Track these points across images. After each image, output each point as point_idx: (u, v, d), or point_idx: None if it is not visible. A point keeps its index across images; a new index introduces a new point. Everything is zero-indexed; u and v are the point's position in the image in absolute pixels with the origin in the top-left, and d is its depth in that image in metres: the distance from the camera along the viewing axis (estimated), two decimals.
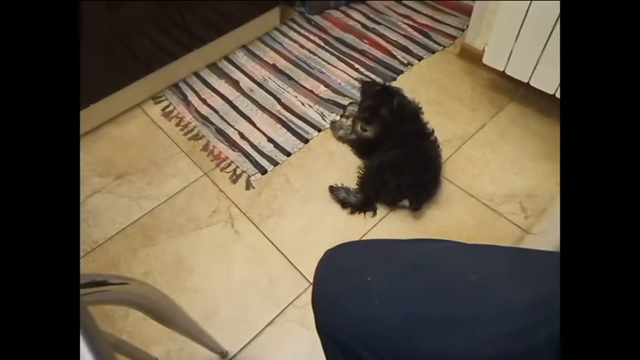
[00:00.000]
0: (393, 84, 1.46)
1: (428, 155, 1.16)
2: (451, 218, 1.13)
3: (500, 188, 1.17)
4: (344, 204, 1.15)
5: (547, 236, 0.97)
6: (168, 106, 1.45)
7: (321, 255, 0.57)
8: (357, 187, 1.17)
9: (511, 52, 1.22)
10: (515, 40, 1.19)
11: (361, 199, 1.14)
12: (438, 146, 1.19)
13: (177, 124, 1.40)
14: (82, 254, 1.11)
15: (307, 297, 1.00)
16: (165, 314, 0.67)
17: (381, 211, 1.15)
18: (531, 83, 1.23)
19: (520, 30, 1.17)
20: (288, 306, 1.00)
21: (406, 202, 1.11)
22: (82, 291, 0.41)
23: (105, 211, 1.19)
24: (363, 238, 1.09)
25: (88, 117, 1.34)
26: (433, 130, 1.20)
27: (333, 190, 1.17)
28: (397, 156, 1.12)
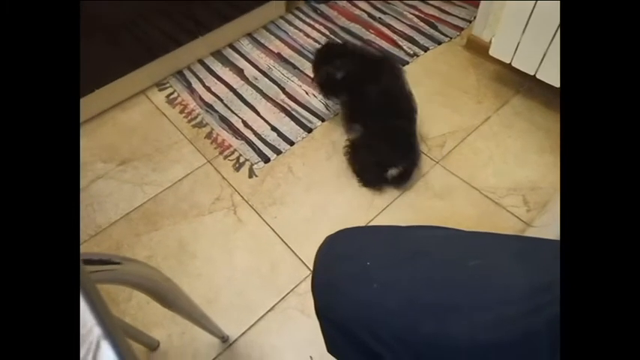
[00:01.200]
0: None
1: (400, 127, 1.14)
2: (453, 210, 1.13)
3: (503, 181, 1.17)
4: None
5: (549, 229, 0.97)
6: (172, 93, 1.45)
7: None
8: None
9: (518, 44, 1.21)
10: (523, 33, 1.18)
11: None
12: (413, 109, 1.16)
13: (182, 112, 1.40)
14: (86, 238, 1.12)
15: (308, 284, 1.00)
16: (168, 297, 0.68)
17: (383, 200, 1.16)
18: (537, 76, 1.22)
19: (528, 22, 1.16)
20: (289, 293, 1.01)
21: (393, 172, 1.12)
22: (88, 268, 0.42)
23: (109, 196, 1.20)
24: None
25: (92, 103, 1.34)
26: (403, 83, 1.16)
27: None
28: (367, 135, 1.14)
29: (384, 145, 1.12)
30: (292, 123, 1.34)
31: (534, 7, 1.12)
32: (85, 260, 0.42)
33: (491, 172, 1.19)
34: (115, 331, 0.21)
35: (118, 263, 0.50)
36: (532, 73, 1.23)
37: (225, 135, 1.33)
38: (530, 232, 1.05)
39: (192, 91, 1.45)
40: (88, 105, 1.34)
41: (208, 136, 1.33)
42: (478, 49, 1.46)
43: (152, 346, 0.94)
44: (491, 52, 1.30)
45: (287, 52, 1.55)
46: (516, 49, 1.23)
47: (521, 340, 0.42)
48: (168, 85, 1.48)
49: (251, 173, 1.24)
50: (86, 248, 1.10)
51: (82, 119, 1.37)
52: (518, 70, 1.26)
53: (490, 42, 1.29)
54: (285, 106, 1.39)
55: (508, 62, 1.27)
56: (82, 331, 0.22)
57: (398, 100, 1.15)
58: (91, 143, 1.32)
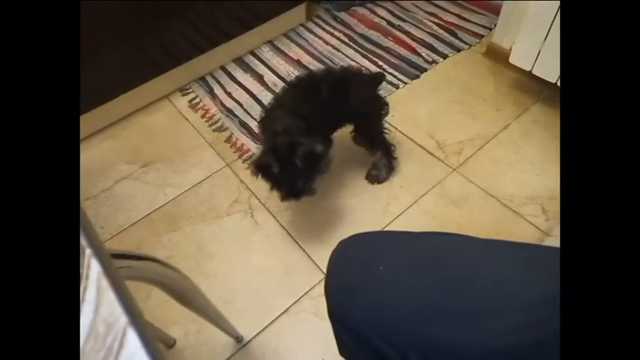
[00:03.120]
0: (416, 82, 1.45)
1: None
2: (470, 218, 1.12)
3: (522, 190, 1.16)
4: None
5: None
6: (194, 98, 1.49)
7: None
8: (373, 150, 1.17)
9: (539, 52, 1.20)
10: (544, 40, 1.17)
11: (391, 162, 1.20)
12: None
13: (203, 116, 1.44)
14: (107, 237, 1.16)
15: (322, 288, 1.00)
16: (186, 295, 0.71)
17: (398, 207, 1.16)
18: (559, 84, 1.21)
19: (549, 30, 1.15)
20: (303, 296, 1.02)
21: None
22: (114, 262, 0.44)
23: (131, 196, 1.24)
24: None
25: (117, 106, 1.40)
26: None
27: (372, 179, 1.22)
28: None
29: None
30: None
31: (556, 14, 1.11)
32: (112, 255, 0.45)
33: (509, 180, 1.18)
34: (140, 319, 0.23)
35: (140, 259, 0.52)
36: (553, 81, 1.22)
37: (244, 139, 1.35)
38: (549, 242, 1.03)
39: (213, 96, 1.49)
40: (113, 109, 1.39)
41: (228, 140, 1.36)
42: (498, 56, 1.45)
43: (169, 343, 0.96)
44: (511, 60, 1.29)
45: (306, 59, 1.57)
46: (537, 57, 1.22)
47: (532, 349, 0.42)
48: (190, 90, 1.52)
49: None
50: (108, 246, 1.14)
51: (108, 122, 1.43)
52: (539, 77, 1.25)
53: (510, 49, 1.29)
54: None
55: (529, 70, 1.26)
56: (110, 319, 0.24)
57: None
58: (116, 145, 1.37)
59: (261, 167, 0.95)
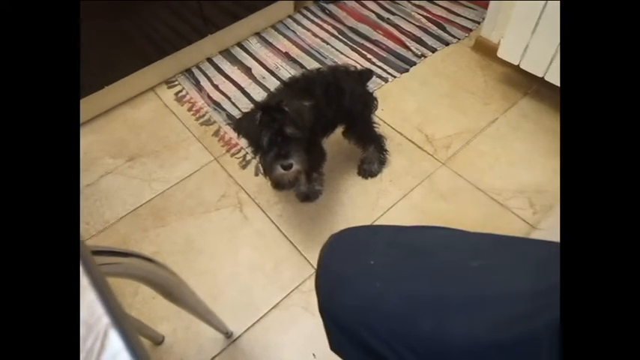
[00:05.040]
0: (405, 75, 1.45)
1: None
2: (458, 212, 1.13)
3: (510, 183, 1.17)
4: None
5: (554, 232, 0.96)
6: (181, 91, 1.47)
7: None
8: (364, 148, 1.17)
9: (527, 46, 1.21)
10: (532, 34, 1.18)
11: (383, 155, 1.21)
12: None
13: (190, 109, 1.41)
14: (93, 233, 1.14)
15: (312, 282, 1.01)
16: (174, 291, 0.69)
17: (387, 201, 1.16)
18: (546, 78, 1.22)
19: (537, 24, 1.15)
20: (293, 290, 1.01)
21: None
22: (97, 260, 0.43)
23: (117, 191, 1.22)
24: None
25: (102, 99, 1.36)
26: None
27: (365, 174, 1.22)
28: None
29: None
30: None
31: (544, 8, 1.12)
32: (94, 252, 0.43)
33: (497, 174, 1.19)
34: (123, 320, 0.22)
35: (126, 255, 0.51)
36: (541, 75, 1.23)
37: (232, 133, 1.34)
38: (536, 235, 1.05)
39: (200, 89, 1.46)
40: (97, 101, 1.36)
41: (216, 133, 1.34)
42: (486, 50, 1.46)
43: (157, 340, 0.95)
44: (499, 54, 1.29)
45: (295, 52, 1.55)
46: (525, 51, 1.22)
47: (521, 342, 0.42)
48: (177, 82, 1.49)
49: (257, 171, 1.24)
50: (93, 243, 1.12)
51: (91, 115, 1.39)
52: (527, 72, 1.26)
53: (498, 43, 1.29)
54: None
55: (516, 64, 1.26)
56: (91, 320, 0.23)
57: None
58: (100, 139, 1.34)
59: (242, 120, 0.88)
